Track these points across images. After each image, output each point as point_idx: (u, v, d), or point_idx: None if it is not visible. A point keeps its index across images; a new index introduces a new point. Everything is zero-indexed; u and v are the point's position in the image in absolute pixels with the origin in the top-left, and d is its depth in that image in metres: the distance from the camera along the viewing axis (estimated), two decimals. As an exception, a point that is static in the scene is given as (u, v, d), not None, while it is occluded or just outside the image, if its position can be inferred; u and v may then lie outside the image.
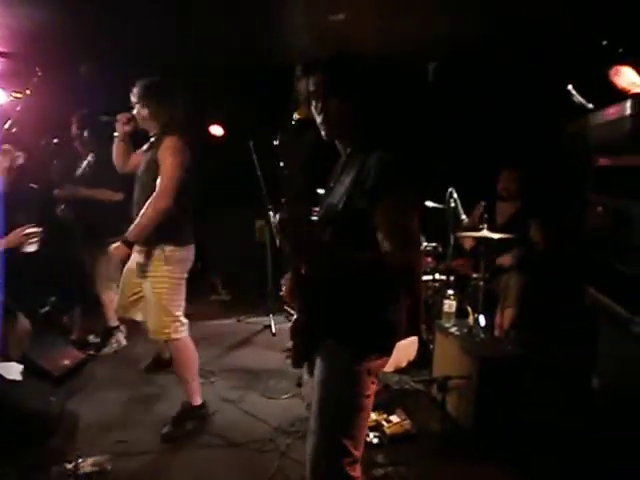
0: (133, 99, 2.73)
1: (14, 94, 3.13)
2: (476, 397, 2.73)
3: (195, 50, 3.83)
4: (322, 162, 1.75)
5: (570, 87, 2.90)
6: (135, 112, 2.76)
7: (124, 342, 4.03)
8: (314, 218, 1.68)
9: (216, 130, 5.05)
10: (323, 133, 1.61)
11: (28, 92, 2.94)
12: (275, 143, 1.64)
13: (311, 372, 1.67)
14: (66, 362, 3.41)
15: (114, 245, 2.66)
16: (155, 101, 2.70)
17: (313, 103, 1.58)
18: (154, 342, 3.33)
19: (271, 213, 3.65)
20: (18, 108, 2.99)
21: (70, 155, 3.97)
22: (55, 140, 3.75)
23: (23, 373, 2.83)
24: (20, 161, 3.23)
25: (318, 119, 1.58)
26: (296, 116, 1.66)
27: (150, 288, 2.72)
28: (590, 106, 2.99)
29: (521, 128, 4.04)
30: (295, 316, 1.68)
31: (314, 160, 1.72)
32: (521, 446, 2.63)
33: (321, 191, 1.74)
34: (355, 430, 1.55)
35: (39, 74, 2.87)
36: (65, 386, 3.23)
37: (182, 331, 2.79)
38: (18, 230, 2.85)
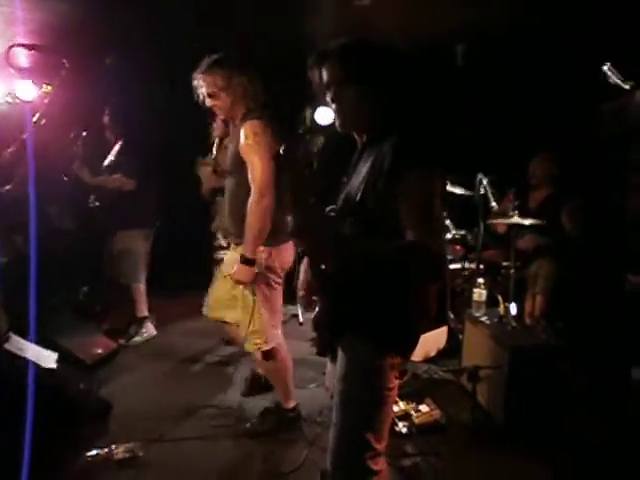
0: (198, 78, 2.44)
1: (44, 88, 3.16)
2: (507, 387, 2.68)
3: (221, 39, 3.80)
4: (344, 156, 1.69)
5: (606, 67, 2.77)
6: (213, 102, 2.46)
7: (154, 332, 4.09)
8: (332, 214, 1.60)
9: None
10: (338, 123, 1.54)
11: (55, 84, 2.96)
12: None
13: (334, 360, 1.63)
14: (98, 350, 3.47)
15: (234, 268, 2.38)
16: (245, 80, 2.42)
17: (327, 92, 1.51)
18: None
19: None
20: (46, 101, 3.01)
21: (99, 143, 4.02)
22: (84, 132, 3.79)
23: (57, 361, 2.89)
24: None
25: (332, 107, 1.51)
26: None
27: (244, 292, 2.49)
28: (627, 86, 2.86)
29: (553, 111, 3.91)
30: (316, 309, 1.65)
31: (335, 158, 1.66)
32: (553, 438, 2.56)
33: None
34: (377, 423, 1.51)
35: (66, 66, 2.87)
36: (98, 374, 3.29)
37: (272, 341, 2.57)
38: None
